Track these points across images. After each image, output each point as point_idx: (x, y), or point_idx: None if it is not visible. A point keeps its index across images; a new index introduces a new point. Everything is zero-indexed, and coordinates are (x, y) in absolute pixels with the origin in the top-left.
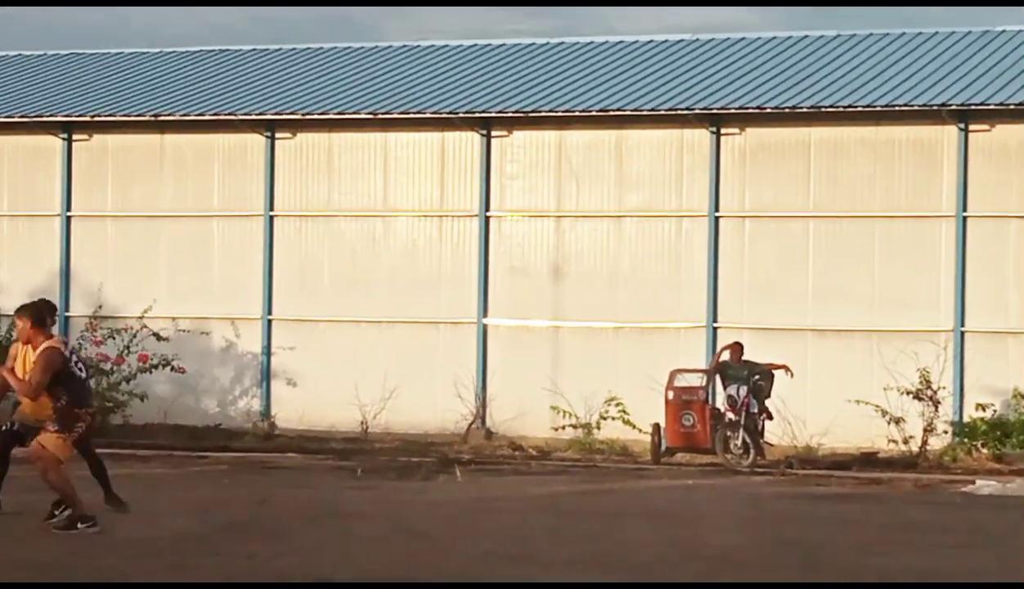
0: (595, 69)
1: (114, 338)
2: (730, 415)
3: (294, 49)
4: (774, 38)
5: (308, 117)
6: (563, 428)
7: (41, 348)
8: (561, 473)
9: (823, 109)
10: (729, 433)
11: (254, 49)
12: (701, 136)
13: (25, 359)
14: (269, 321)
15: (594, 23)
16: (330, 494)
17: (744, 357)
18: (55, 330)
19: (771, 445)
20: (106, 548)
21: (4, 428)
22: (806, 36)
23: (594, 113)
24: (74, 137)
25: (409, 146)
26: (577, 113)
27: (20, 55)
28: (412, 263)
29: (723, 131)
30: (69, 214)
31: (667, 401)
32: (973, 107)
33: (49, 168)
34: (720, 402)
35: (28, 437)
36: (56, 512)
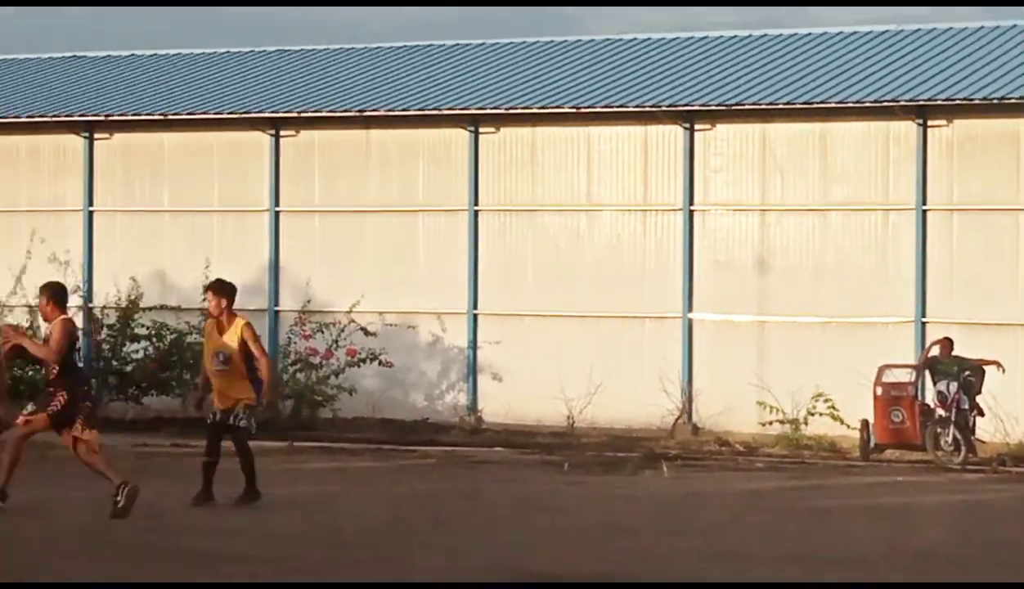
0: (798, 61)
1: (322, 332)
2: (940, 411)
3: (497, 44)
4: (981, 28)
5: (511, 111)
6: (770, 423)
7: (59, 319)
8: (768, 469)
9: None
10: (939, 430)
11: (457, 44)
12: (907, 128)
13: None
14: (475, 316)
15: (796, 17)
16: (537, 488)
17: (954, 352)
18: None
19: (983, 442)
20: (317, 540)
21: (209, 420)
22: (1015, 25)
23: (798, 105)
24: (282, 133)
25: (612, 140)
26: (781, 106)
27: (228, 52)
28: (616, 257)
29: (930, 123)
30: (278, 209)
31: (876, 397)
32: None
33: (258, 164)
34: (930, 398)
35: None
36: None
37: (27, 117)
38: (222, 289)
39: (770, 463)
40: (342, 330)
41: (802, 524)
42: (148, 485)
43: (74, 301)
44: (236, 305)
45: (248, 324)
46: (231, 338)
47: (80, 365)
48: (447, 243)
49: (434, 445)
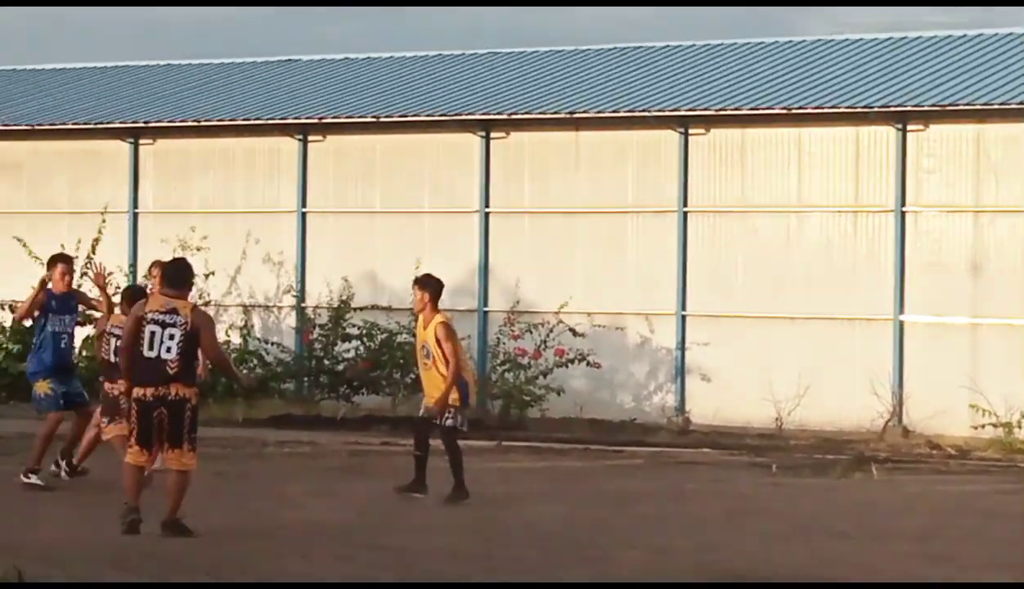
0: (1015, 61)
1: (531, 333)
2: None
3: (708, 45)
4: None
5: (721, 113)
6: (982, 427)
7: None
8: (980, 473)
9: None
10: None
11: (667, 46)
12: None
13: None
14: (683, 317)
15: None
16: (744, 490)
17: None
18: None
19: None
20: (524, 539)
21: (418, 417)
22: None
23: (1013, 106)
24: (492, 135)
25: (823, 141)
26: (996, 106)
27: (440, 55)
28: (826, 259)
29: None
30: (487, 211)
31: None
32: None
33: (468, 166)
34: None
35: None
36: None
37: (243, 120)
38: (426, 284)
39: (982, 467)
40: (551, 331)
41: (1014, 529)
42: (358, 482)
43: (287, 301)
44: (446, 305)
45: (442, 323)
46: (430, 334)
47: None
48: (656, 244)
49: (641, 446)
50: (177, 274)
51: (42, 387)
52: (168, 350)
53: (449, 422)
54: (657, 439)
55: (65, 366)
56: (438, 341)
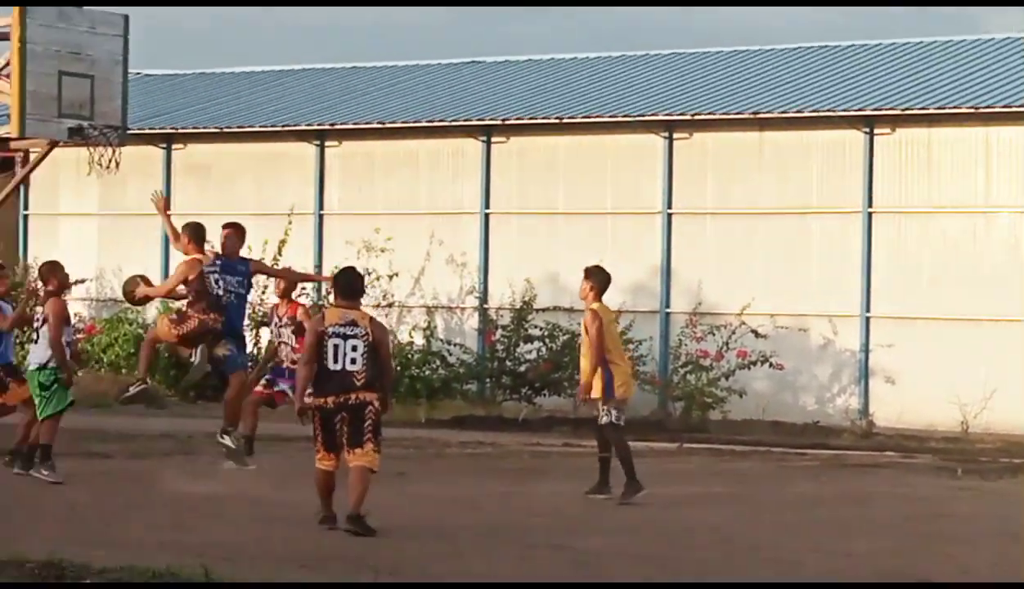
0: None
1: (713, 334)
2: None
3: (892, 44)
4: None
5: (907, 112)
6: None
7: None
8: None
9: None
10: None
11: (852, 45)
12: None
13: None
14: (867, 319)
15: None
16: (928, 493)
17: None
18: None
19: None
20: (704, 540)
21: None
22: None
23: None
24: (675, 136)
25: (1012, 140)
26: None
27: (623, 56)
28: (1014, 260)
29: None
30: (670, 212)
31: None
32: None
33: (651, 166)
34: None
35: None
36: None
37: (427, 121)
38: (591, 273)
39: None
40: (733, 332)
41: None
42: (540, 483)
43: (469, 302)
44: (628, 305)
45: (591, 310)
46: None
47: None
48: (840, 245)
49: (824, 449)
50: (350, 285)
51: (221, 349)
52: (353, 361)
53: (605, 419)
54: (840, 442)
55: (235, 331)
56: (586, 328)
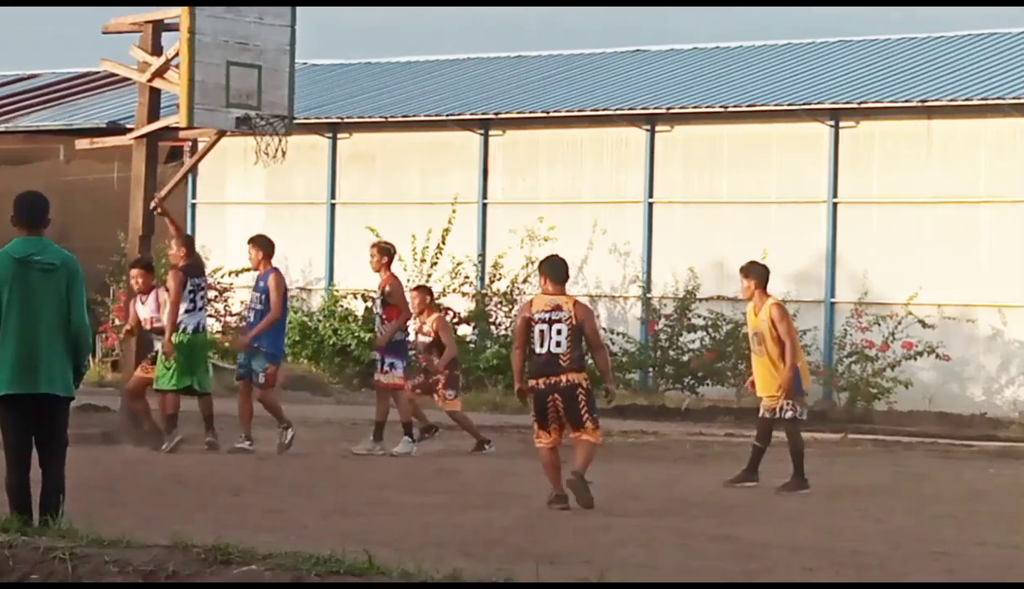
0: None
1: (879, 325)
2: None
3: None
4: None
5: None
6: None
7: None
8: None
9: None
10: None
11: (1023, 32)
12: None
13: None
14: None
15: None
16: None
17: None
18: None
19: None
20: (868, 533)
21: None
22: None
23: None
24: (841, 124)
25: None
26: None
27: (788, 44)
28: None
29: None
30: (835, 201)
31: None
32: None
33: (816, 155)
34: None
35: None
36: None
37: (591, 110)
38: (750, 270)
39: None
40: (899, 322)
41: None
42: (702, 473)
43: (632, 291)
44: (792, 295)
45: (776, 304)
46: (763, 319)
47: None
48: (1009, 234)
49: (991, 440)
50: (556, 271)
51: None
52: (558, 344)
53: (789, 413)
54: (1008, 434)
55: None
56: (772, 323)
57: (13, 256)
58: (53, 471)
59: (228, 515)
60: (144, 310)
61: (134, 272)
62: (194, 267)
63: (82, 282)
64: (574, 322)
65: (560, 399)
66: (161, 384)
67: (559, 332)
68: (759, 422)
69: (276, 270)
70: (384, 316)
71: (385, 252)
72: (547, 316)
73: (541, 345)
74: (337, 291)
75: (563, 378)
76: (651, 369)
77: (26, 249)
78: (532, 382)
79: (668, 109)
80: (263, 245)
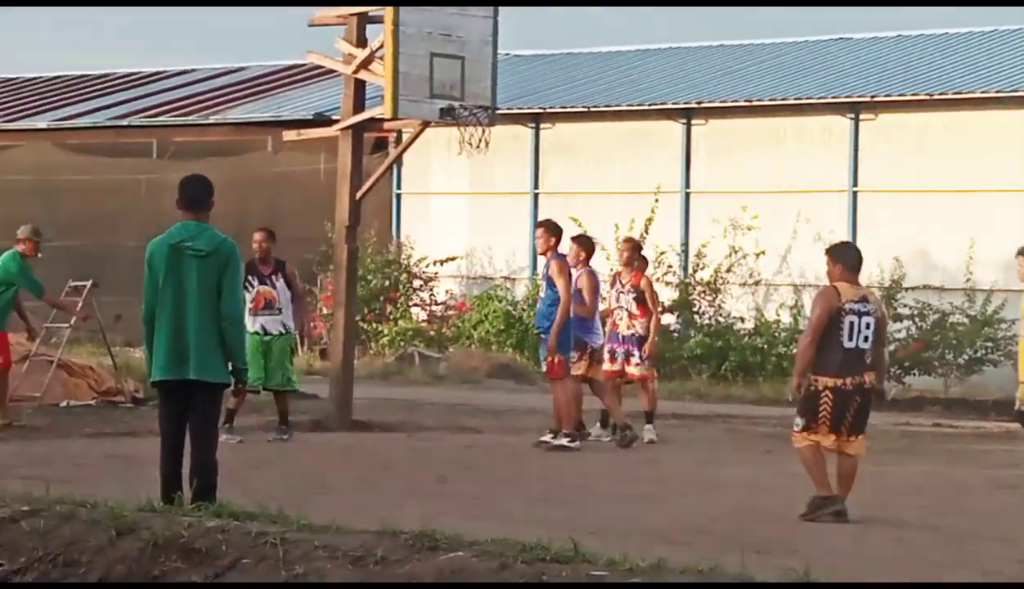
0: None
1: None
2: None
3: None
4: None
5: None
6: None
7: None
8: None
9: None
10: None
11: None
12: None
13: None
14: None
15: None
16: None
17: None
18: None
19: None
20: None
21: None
22: None
23: None
24: None
25: None
26: None
27: (995, 31)
28: None
29: None
30: None
31: None
32: None
33: (1018, 142)
34: None
35: None
36: None
37: (794, 99)
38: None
39: None
40: None
41: None
42: (910, 463)
43: None
44: (1001, 284)
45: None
46: None
47: None
48: None
49: None
50: (854, 258)
51: None
52: (865, 339)
53: None
54: None
55: None
56: None
57: (168, 243)
58: (202, 455)
59: (435, 502)
60: None
61: None
62: (249, 266)
63: (237, 270)
64: (880, 317)
65: (859, 401)
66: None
67: (867, 326)
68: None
69: (558, 256)
70: (636, 312)
71: (585, 246)
72: (857, 307)
73: (850, 339)
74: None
75: (866, 379)
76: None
77: (181, 235)
78: (832, 380)
79: (872, 97)
80: (553, 230)
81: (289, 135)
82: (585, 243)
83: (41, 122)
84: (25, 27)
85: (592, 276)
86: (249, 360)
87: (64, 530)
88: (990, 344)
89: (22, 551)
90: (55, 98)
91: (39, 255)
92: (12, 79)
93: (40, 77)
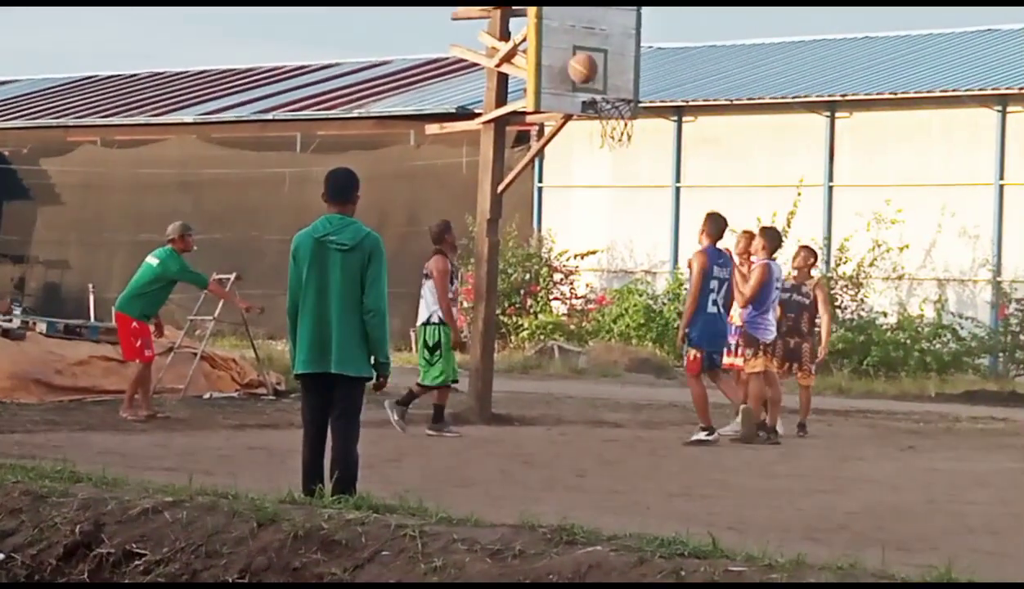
0: None
1: None
2: None
3: None
4: None
5: None
6: None
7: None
8: None
9: None
10: None
11: None
12: None
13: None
14: None
15: None
16: None
17: None
18: None
19: None
20: None
21: None
22: None
23: None
24: None
25: None
26: None
27: None
28: None
29: None
30: None
31: None
32: None
33: None
34: None
35: None
36: None
37: (940, 91)
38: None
39: None
40: None
41: None
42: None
43: (982, 275)
44: None
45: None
46: None
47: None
48: None
49: None
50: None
51: None
52: None
53: None
54: None
55: None
56: None
57: (313, 236)
58: (343, 447)
59: (573, 495)
60: None
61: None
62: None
63: (381, 264)
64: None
65: None
66: (424, 380)
67: None
68: None
69: (698, 251)
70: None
71: (768, 237)
72: None
73: None
74: (682, 274)
75: None
76: (1001, 354)
77: (325, 229)
78: None
79: (1020, 89)
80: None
81: (431, 128)
82: (770, 236)
83: (187, 116)
84: (170, 21)
85: (765, 269)
86: (444, 355)
87: (206, 521)
88: None
89: (165, 541)
90: (201, 93)
91: (195, 248)
92: (159, 74)
93: (186, 72)
